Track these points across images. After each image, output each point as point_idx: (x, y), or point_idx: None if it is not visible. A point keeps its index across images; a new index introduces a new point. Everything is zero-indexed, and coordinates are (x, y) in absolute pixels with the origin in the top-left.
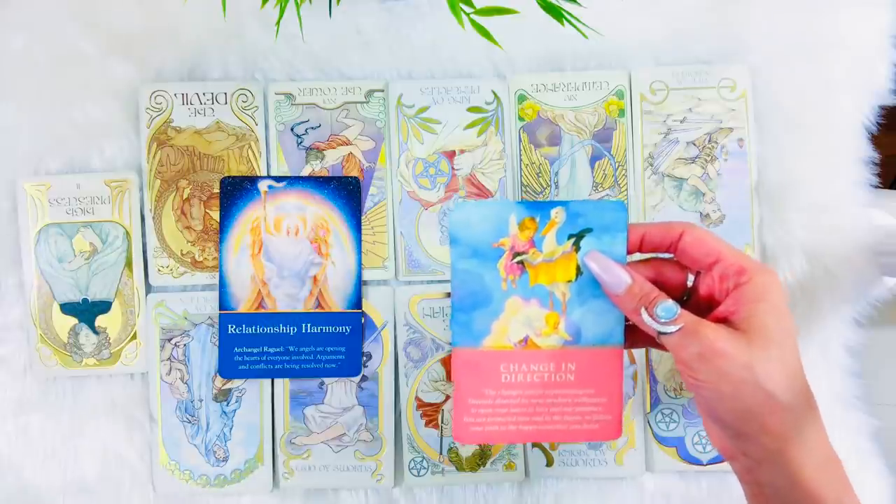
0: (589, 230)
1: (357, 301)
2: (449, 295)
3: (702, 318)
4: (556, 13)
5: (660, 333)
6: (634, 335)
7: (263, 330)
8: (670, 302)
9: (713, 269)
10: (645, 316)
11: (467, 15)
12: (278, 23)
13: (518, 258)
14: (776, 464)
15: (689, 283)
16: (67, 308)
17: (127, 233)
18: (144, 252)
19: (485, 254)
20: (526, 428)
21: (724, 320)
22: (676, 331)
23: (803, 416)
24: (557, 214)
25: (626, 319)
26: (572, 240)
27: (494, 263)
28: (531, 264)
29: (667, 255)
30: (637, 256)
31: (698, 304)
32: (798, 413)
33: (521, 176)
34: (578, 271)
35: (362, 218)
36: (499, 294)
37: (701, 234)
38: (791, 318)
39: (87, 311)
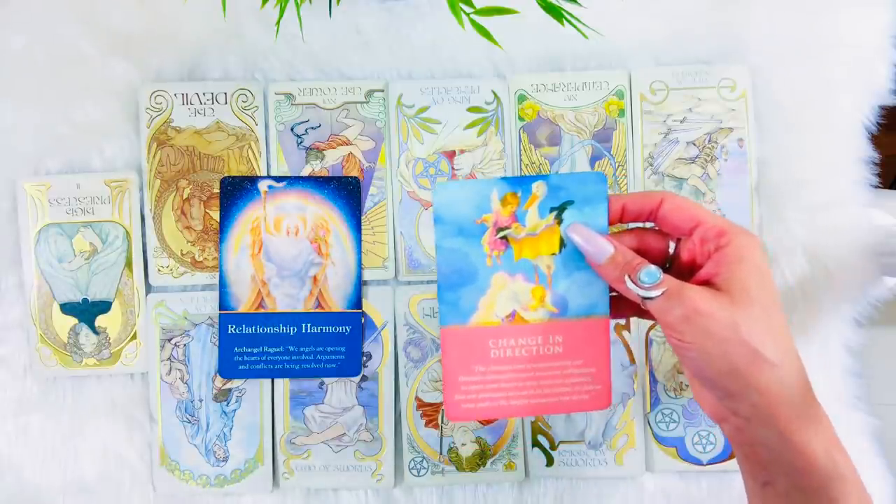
0: (570, 203)
1: (357, 301)
2: None
3: (684, 282)
4: (556, 13)
5: (644, 298)
6: (620, 305)
7: (263, 330)
8: (653, 267)
9: (694, 233)
10: (629, 283)
11: (467, 15)
12: (278, 23)
13: (501, 233)
14: (765, 421)
15: (671, 251)
16: (67, 308)
17: (127, 233)
18: (144, 252)
19: (468, 231)
20: (517, 402)
21: (706, 282)
22: (660, 295)
23: (790, 372)
24: (538, 188)
25: (612, 290)
26: (554, 213)
27: (478, 240)
28: (515, 239)
29: (648, 225)
30: (619, 228)
31: (680, 269)
32: (785, 370)
33: None
34: (562, 244)
35: (362, 218)
36: (484, 270)
37: (680, 202)
38: (771, 277)
39: (87, 311)
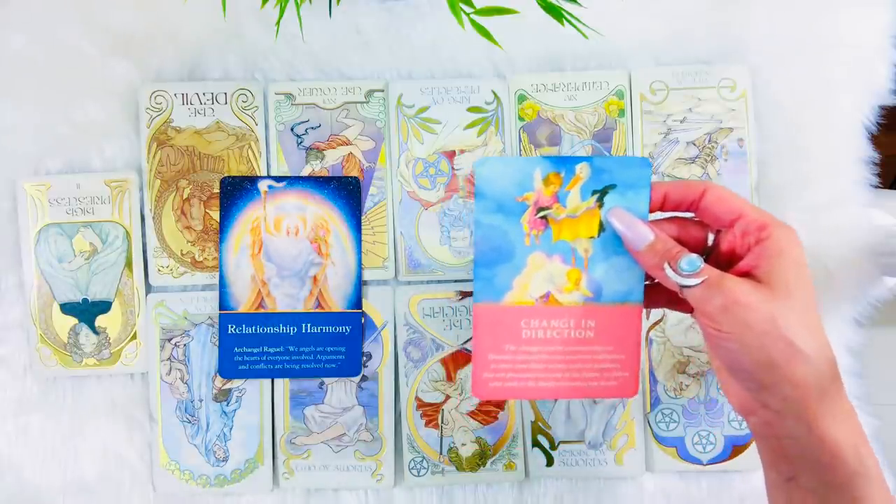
0: (613, 186)
1: (357, 301)
2: (452, 296)
3: (724, 272)
4: (556, 13)
5: (683, 287)
6: (653, 294)
7: (263, 330)
8: (693, 256)
9: (735, 225)
10: (668, 270)
11: (467, 15)
12: (278, 23)
13: (542, 213)
14: (797, 414)
15: (709, 243)
16: (67, 308)
17: (127, 233)
18: (144, 252)
19: (509, 208)
20: (545, 384)
21: (745, 275)
22: (699, 283)
23: (824, 367)
24: (582, 170)
25: (647, 278)
26: (596, 196)
27: (518, 218)
28: (554, 220)
29: (688, 214)
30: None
31: (718, 260)
32: (819, 365)
33: None
34: (601, 228)
35: (362, 218)
36: (521, 249)
37: (722, 192)
38: (808, 272)
39: (87, 311)
